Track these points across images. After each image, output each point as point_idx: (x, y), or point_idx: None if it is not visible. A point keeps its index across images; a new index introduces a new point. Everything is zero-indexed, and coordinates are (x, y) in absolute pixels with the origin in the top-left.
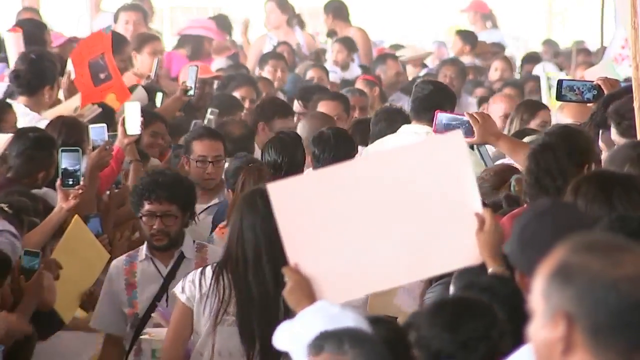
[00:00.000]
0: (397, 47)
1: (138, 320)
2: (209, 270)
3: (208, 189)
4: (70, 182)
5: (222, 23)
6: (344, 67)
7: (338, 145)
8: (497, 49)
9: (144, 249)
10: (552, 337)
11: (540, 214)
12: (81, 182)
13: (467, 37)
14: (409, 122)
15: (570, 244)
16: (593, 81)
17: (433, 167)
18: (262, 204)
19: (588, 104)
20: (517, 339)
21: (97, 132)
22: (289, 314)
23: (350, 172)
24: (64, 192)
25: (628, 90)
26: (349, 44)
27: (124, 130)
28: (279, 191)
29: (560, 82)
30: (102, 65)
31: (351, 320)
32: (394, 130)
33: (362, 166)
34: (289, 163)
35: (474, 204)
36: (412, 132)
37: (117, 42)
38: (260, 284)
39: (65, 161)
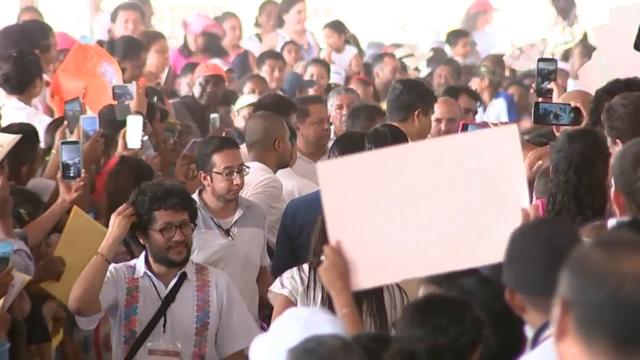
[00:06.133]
0: (397, 46)
1: (134, 339)
2: (306, 267)
3: (233, 200)
4: (71, 174)
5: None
6: (339, 50)
7: (395, 142)
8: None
9: (141, 264)
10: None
11: (528, 229)
12: (82, 174)
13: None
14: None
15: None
16: (570, 104)
17: (485, 158)
18: None
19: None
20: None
21: (89, 123)
22: None
23: (401, 157)
24: (66, 185)
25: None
26: (337, 27)
27: (124, 143)
28: (328, 170)
29: (537, 105)
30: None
31: (326, 323)
32: None
33: (413, 151)
34: None
35: (522, 199)
36: None
37: (133, 47)
38: None
39: (66, 154)
